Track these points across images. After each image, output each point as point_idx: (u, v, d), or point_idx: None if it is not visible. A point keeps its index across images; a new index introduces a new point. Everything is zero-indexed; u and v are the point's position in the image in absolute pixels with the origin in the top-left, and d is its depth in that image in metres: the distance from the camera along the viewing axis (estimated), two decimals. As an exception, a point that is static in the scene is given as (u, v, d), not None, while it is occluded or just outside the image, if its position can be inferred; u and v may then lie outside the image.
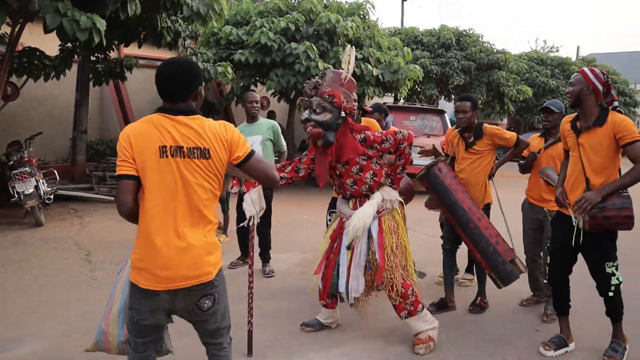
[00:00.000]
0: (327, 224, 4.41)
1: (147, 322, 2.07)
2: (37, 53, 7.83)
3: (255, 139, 4.67)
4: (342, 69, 3.31)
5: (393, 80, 10.60)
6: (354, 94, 3.36)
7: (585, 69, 3.15)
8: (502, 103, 17.39)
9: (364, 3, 10.85)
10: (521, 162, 4.15)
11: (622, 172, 3.10)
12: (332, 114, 3.17)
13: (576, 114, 3.25)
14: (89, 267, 5.06)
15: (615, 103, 3.13)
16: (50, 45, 8.74)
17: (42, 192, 6.67)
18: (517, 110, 21.61)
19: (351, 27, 9.64)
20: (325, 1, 10.78)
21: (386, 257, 3.25)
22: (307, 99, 3.27)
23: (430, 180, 3.77)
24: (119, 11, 5.62)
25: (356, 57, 10.10)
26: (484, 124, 3.97)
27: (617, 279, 3.13)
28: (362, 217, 3.23)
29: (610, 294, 3.15)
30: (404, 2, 21.25)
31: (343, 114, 3.20)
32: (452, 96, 17.92)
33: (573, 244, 3.14)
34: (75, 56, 8.86)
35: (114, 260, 5.25)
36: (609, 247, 3.13)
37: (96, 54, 8.92)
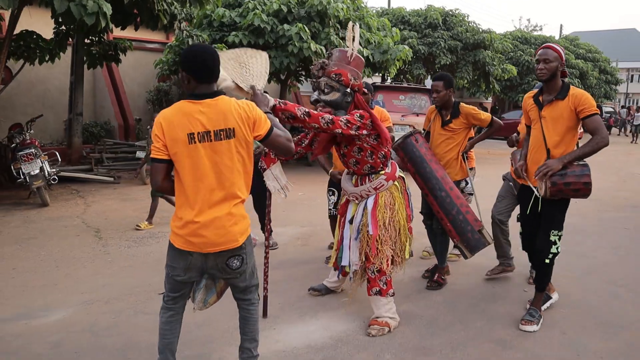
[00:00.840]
0: (328, 201, 4.66)
1: (180, 278, 2.38)
2: (34, 36, 7.88)
3: None
4: (347, 46, 3.32)
5: (383, 61, 10.81)
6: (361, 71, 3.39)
7: (554, 44, 3.34)
8: (488, 82, 17.68)
9: (353, -16, 10.97)
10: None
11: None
12: (341, 93, 3.20)
13: (537, 90, 3.47)
14: (100, 242, 5.29)
15: (566, 79, 3.37)
16: (44, 28, 8.79)
17: (46, 173, 6.84)
18: (502, 89, 21.99)
19: (342, 9, 9.80)
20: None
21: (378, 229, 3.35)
22: (315, 80, 3.30)
23: (406, 149, 3.95)
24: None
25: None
26: (461, 104, 4.16)
27: (557, 248, 3.37)
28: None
29: (547, 260, 3.38)
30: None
31: (350, 91, 3.23)
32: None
33: (530, 211, 3.38)
34: (69, 39, 8.91)
35: (124, 237, 5.49)
36: (559, 217, 3.37)
37: (90, 37, 8.98)
